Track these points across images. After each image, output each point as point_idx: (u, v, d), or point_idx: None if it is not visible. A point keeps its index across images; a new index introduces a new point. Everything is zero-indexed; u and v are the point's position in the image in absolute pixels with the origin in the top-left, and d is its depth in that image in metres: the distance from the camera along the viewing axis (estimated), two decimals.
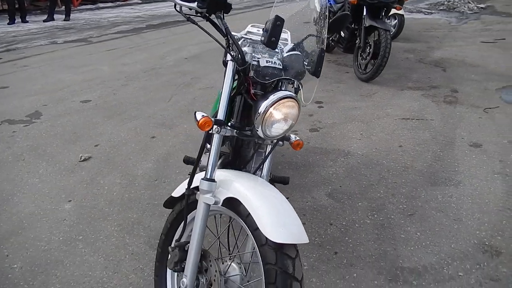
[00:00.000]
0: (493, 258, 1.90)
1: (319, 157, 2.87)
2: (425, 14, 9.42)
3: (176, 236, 1.44)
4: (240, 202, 1.22)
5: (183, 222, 1.44)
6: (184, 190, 1.40)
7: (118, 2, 12.67)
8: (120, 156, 2.99)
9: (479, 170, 2.65)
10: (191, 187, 1.33)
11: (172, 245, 1.38)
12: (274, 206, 1.20)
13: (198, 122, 1.21)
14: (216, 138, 1.28)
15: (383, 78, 4.56)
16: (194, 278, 1.28)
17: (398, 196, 2.39)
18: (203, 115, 1.22)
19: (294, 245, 1.17)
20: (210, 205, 1.26)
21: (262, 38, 1.24)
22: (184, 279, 1.27)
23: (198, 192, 1.28)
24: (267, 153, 1.45)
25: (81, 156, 2.95)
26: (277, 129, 1.30)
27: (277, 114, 1.26)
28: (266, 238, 1.14)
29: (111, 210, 2.34)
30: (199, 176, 1.30)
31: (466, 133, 3.18)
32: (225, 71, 1.30)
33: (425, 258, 1.92)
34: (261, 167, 1.44)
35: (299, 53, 1.36)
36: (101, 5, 12.15)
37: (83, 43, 6.93)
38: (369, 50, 4.39)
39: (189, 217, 1.40)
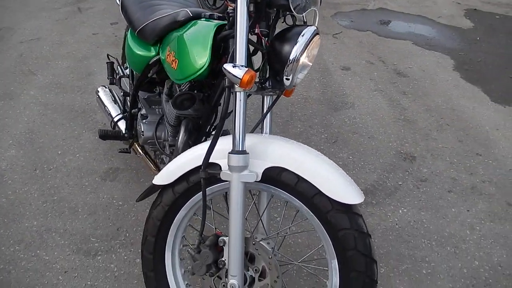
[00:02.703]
0: (413, 162, 2.19)
1: None
2: None
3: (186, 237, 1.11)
4: (284, 169, 1.00)
5: (192, 212, 1.12)
6: (174, 175, 1.08)
7: None
8: None
9: (361, 90, 2.93)
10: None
11: (195, 245, 1.05)
12: (327, 165, 1.02)
13: (242, 80, 0.89)
14: (242, 97, 0.96)
15: None
16: (243, 274, 1.02)
17: (315, 127, 2.45)
18: (241, 68, 0.90)
19: None
20: (246, 183, 0.99)
21: None
22: (233, 281, 1.00)
23: (224, 171, 0.99)
24: (269, 105, 1.20)
25: None
26: (302, 75, 1.09)
27: (307, 57, 1.04)
28: (332, 201, 0.98)
29: None
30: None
31: (332, 59, 3.44)
32: (236, 7, 0.95)
33: (369, 177, 2.06)
34: (263, 123, 1.20)
35: None
36: None
37: None
38: None
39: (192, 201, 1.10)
